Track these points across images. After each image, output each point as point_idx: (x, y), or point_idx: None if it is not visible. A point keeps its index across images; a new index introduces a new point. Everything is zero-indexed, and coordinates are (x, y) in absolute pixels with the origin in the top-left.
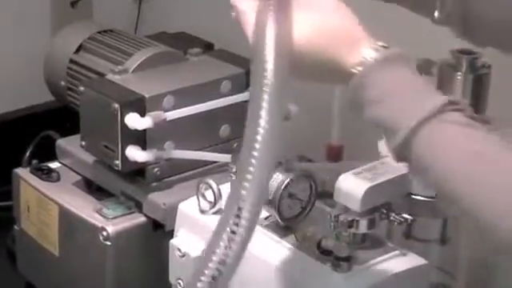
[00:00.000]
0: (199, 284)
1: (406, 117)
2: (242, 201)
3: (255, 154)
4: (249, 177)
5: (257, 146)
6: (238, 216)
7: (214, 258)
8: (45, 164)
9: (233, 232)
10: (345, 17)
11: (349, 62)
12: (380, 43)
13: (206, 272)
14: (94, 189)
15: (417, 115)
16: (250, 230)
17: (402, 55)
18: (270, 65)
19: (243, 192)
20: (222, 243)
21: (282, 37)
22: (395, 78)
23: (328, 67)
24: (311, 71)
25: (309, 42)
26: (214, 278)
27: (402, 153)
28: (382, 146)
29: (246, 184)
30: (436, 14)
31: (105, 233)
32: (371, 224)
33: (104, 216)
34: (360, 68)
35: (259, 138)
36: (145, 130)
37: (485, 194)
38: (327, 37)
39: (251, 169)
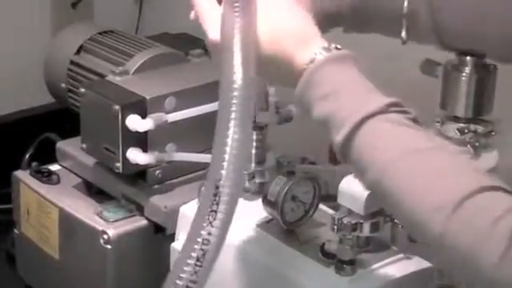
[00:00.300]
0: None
1: (351, 113)
2: (211, 224)
3: (225, 168)
4: (221, 190)
5: (226, 159)
6: (207, 239)
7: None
8: (45, 166)
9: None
10: (298, 16)
11: (300, 59)
12: (332, 44)
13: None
14: (94, 191)
15: (361, 112)
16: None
17: (351, 56)
18: (238, 76)
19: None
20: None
21: (249, 44)
22: (343, 76)
23: (282, 66)
24: (267, 71)
25: (264, 41)
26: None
27: (345, 149)
28: None
29: (217, 198)
30: (403, 34)
31: (105, 236)
32: (375, 227)
33: (104, 219)
34: (311, 65)
35: (228, 150)
36: (146, 132)
37: (418, 192)
38: (281, 36)
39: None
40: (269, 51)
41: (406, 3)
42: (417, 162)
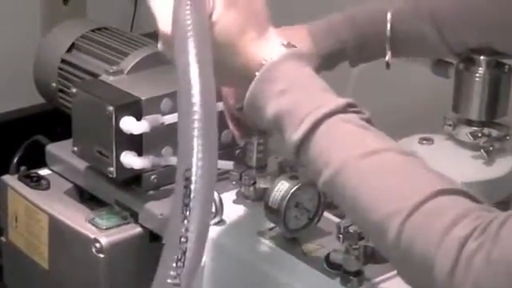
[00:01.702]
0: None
1: (310, 110)
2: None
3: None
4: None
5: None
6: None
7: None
8: (34, 171)
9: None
10: (255, 14)
11: (257, 56)
12: (289, 42)
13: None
14: (86, 197)
15: (320, 110)
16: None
17: (308, 55)
18: (196, 91)
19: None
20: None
21: (204, 43)
22: (301, 73)
23: (238, 64)
24: (222, 69)
25: (220, 39)
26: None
27: (301, 148)
28: None
29: (187, 213)
30: (387, 58)
31: (98, 244)
32: None
33: (97, 226)
34: (268, 61)
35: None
36: (141, 135)
37: (373, 195)
38: (237, 33)
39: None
40: (224, 49)
41: (388, 26)
42: (373, 163)
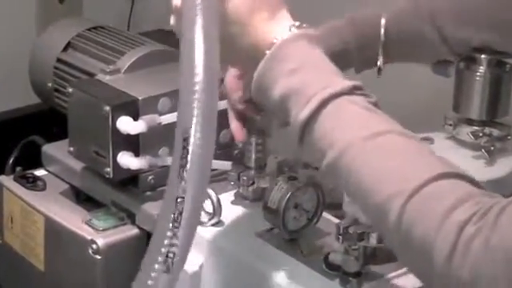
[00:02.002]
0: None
1: (318, 90)
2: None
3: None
4: (183, 197)
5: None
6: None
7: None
8: (30, 171)
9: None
10: None
11: (268, 35)
12: (300, 23)
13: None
14: (82, 198)
15: (328, 90)
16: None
17: (318, 36)
18: (199, 69)
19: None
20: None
21: (213, 20)
22: (311, 54)
23: (248, 43)
24: (230, 49)
25: (231, 17)
26: None
27: (307, 127)
28: None
29: (180, 206)
30: (379, 62)
31: (94, 246)
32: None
33: (94, 228)
34: (280, 38)
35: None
36: (138, 135)
37: (376, 176)
38: (249, 11)
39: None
40: (235, 27)
41: (382, 31)
42: (377, 145)
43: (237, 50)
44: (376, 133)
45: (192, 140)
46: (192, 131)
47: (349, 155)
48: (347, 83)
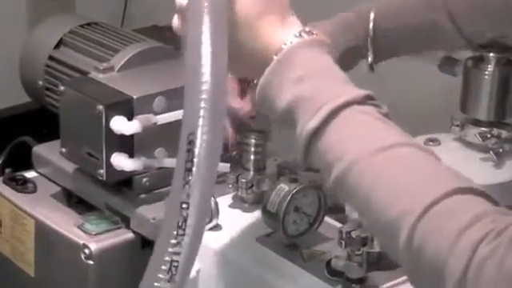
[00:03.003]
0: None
1: (328, 98)
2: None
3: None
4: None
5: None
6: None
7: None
8: (20, 173)
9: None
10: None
11: (277, 40)
12: (310, 29)
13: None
14: (74, 201)
15: (339, 99)
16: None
17: (328, 44)
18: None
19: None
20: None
21: (221, 24)
22: (320, 61)
23: (256, 49)
24: (238, 56)
25: (240, 22)
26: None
27: (314, 137)
28: None
29: (185, 206)
30: (370, 59)
31: (87, 251)
32: None
33: (86, 232)
34: (289, 43)
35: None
36: (132, 136)
37: (386, 192)
38: (258, 17)
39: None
40: (242, 31)
41: (370, 26)
42: (389, 158)
43: (243, 54)
44: (387, 145)
45: (198, 142)
46: (198, 133)
47: (358, 169)
48: (359, 92)
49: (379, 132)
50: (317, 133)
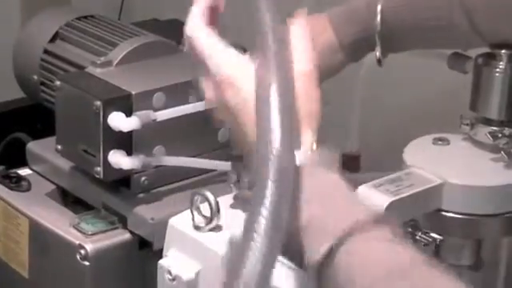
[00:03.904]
0: None
1: (332, 225)
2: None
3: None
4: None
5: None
6: None
7: None
8: (13, 171)
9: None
10: (310, 113)
11: None
12: (318, 146)
13: None
14: (70, 200)
15: (345, 224)
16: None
17: (334, 158)
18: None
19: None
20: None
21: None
22: (325, 183)
23: None
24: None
25: None
26: None
27: (323, 265)
28: (408, 155)
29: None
30: (378, 53)
31: (83, 251)
32: None
33: (82, 232)
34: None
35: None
36: (131, 133)
37: None
38: None
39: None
40: None
41: (378, 19)
42: (400, 285)
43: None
44: (398, 270)
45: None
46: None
47: None
48: (368, 215)
49: (390, 257)
50: (323, 263)
